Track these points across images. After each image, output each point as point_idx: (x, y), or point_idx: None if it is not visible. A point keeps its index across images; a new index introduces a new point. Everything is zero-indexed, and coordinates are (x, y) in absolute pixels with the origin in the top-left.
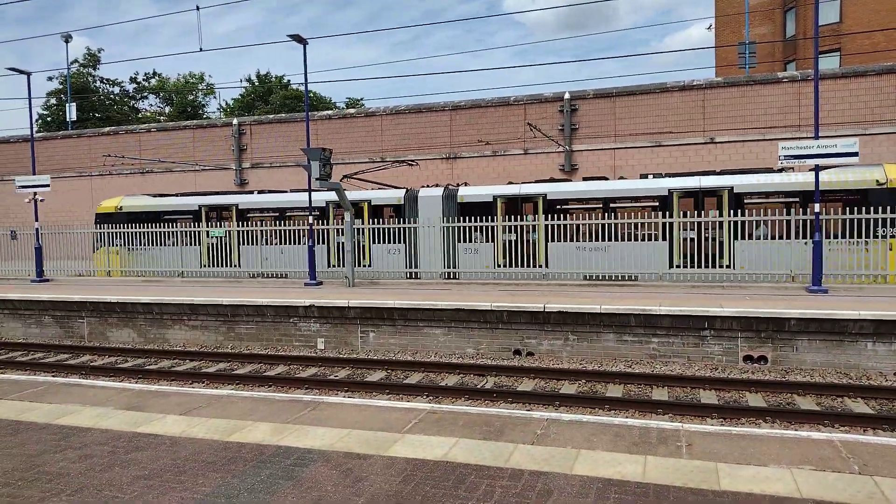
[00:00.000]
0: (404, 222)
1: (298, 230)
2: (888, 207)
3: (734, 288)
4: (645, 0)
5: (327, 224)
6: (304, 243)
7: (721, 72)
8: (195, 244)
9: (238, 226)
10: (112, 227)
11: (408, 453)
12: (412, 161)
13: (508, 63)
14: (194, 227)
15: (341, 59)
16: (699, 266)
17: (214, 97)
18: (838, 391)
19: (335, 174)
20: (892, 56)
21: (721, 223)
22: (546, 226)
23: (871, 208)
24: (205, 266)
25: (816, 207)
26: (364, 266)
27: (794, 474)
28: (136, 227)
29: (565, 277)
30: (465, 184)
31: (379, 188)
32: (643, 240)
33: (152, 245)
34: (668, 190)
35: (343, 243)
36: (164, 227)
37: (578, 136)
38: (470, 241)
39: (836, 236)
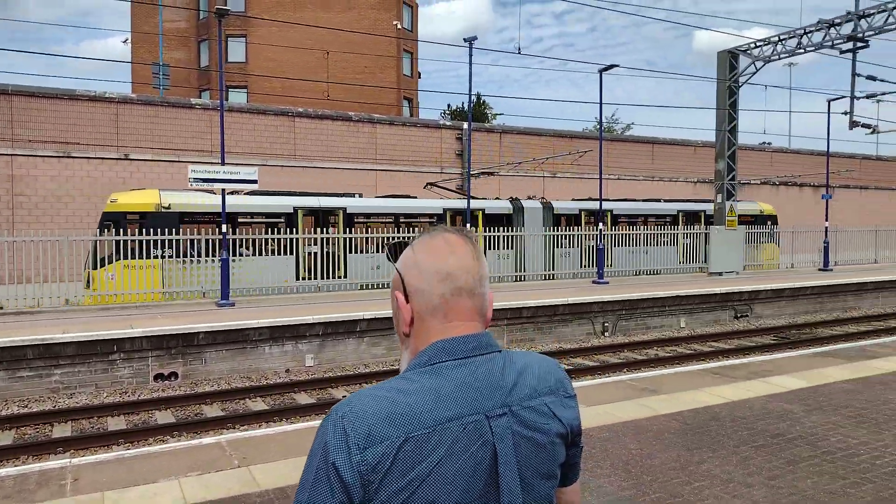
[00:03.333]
0: (512, 230)
1: None
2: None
3: (158, 307)
4: None
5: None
6: None
7: (138, 89)
8: (287, 253)
9: (345, 232)
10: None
11: None
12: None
13: None
14: (285, 232)
15: None
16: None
17: None
18: (242, 394)
19: None
20: (286, 101)
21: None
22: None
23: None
24: (302, 279)
25: (223, 228)
26: None
27: (182, 483)
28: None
29: None
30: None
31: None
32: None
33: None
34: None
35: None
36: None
37: None
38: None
39: (259, 253)
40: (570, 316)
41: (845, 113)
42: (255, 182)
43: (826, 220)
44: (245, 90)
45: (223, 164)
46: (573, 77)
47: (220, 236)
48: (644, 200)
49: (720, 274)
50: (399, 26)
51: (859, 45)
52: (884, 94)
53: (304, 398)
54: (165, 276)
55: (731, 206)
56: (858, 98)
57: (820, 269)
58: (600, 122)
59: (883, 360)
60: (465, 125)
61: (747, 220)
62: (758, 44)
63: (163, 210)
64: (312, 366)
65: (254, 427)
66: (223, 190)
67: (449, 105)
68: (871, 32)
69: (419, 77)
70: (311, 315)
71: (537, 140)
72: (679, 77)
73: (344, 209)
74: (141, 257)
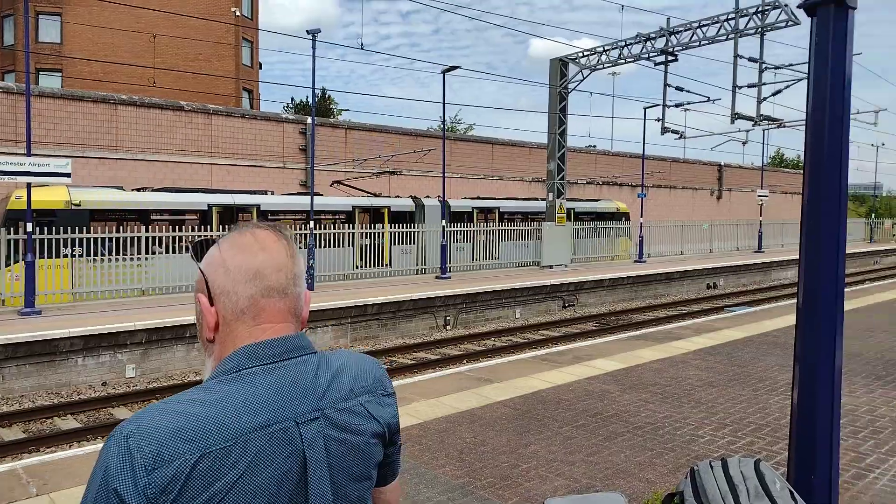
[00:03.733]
0: (413, 226)
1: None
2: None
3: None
4: None
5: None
6: (334, 246)
7: None
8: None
9: None
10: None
11: None
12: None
13: None
14: (201, 230)
15: None
16: None
17: None
18: (49, 412)
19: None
20: (108, 87)
21: None
22: None
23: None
24: None
25: (28, 227)
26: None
27: None
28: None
29: None
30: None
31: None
32: None
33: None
34: None
35: None
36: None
37: None
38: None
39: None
40: (413, 311)
41: (658, 120)
42: (67, 175)
43: (641, 216)
44: (59, 74)
45: (29, 155)
46: (419, 76)
47: (25, 237)
48: (525, 199)
49: (551, 267)
50: (237, 13)
51: (670, 58)
52: (690, 103)
53: (123, 413)
54: (75, 275)
55: (561, 204)
56: (669, 106)
57: (636, 261)
58: (443, 122)
59: (684, 341)
60: (309, 119)
61: (607, 216)
62: (585, 53)
63: (73, 207)
64: (134, 377)
65: (63, 448)
66: (29, 185)
67: (292, 98)
68: (679, 48)
69: (260, 68)
70: (132, 322)
71: (383, 137)
72: (516, 81)
73: (258, 206)
74: (50, 256)
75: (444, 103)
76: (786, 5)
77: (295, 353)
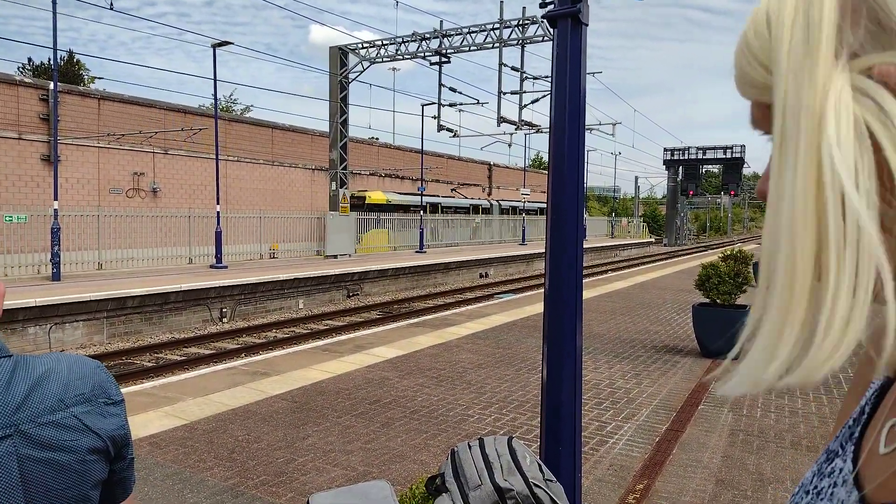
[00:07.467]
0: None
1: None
2: None
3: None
4: None
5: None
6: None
7: None
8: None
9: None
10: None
11: None
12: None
13: None
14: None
15: None
16: None
17: None
18: None
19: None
20: None
21: None
22: None
23: None
24: (435, 241)
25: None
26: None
27: None
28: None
29: None
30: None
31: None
32: None
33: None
34: None
35: None
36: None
37: None
38: None
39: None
40: (184, 303)
41: (434, 118)
42: None
43: (421, 210)
44: None
45: None
46: (190, 49)
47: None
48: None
49: (335, 257)
50: None
51: (444, 59)
52: (462, 104)
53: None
54: (391, 237)
55: (344, 194)
56: (444, 106)
57: (416, 252)
58: (215, 99)
59: (458, 327)
60: (52, 85)
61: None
62: (365, 45)
63: (388, 203)
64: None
65: None
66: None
67: (30, 60)
68: (451, 51)
69: None
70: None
71: (146, 112)
72: (297, 66)
73: (439, 204)
74: (381, 228)
75: (215, 80)
76: (543, 20)
77: None
